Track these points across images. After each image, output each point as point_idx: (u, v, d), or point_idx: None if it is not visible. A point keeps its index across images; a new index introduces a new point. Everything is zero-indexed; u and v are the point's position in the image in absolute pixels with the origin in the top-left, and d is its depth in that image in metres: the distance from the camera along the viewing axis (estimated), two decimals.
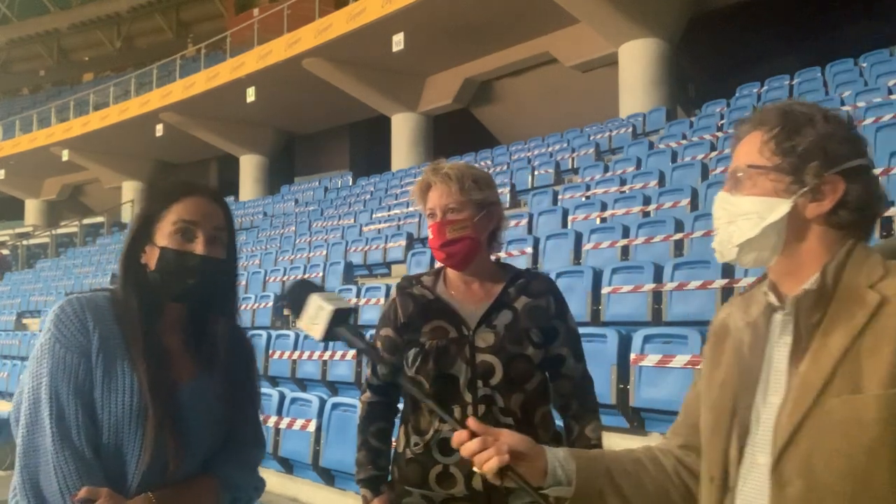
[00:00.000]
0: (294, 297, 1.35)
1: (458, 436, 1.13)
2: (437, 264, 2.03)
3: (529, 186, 10.53)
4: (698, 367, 1.34)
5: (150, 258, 1.47)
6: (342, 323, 1.31)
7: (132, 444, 1.38)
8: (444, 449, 1.85)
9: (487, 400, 1.84)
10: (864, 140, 1.15)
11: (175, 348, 1.49)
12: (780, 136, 1.11)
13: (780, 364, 1.11)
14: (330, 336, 1.30)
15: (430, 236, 1.95)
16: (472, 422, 1.14)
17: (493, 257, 2.02)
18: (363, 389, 2.08)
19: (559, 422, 2.02)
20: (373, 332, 2.16)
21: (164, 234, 1.46)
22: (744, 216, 1.12)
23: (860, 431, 0.99)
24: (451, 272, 1.98)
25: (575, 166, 10.76)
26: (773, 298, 1.14)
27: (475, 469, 1.12)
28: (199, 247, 1.45)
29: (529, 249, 7.19)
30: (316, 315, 1.31)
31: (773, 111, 1.15)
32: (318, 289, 1.35)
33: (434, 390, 1.87)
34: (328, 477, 5.08)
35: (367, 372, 2.07)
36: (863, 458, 0.99)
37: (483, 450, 1.11)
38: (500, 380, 1.85)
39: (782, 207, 1.10)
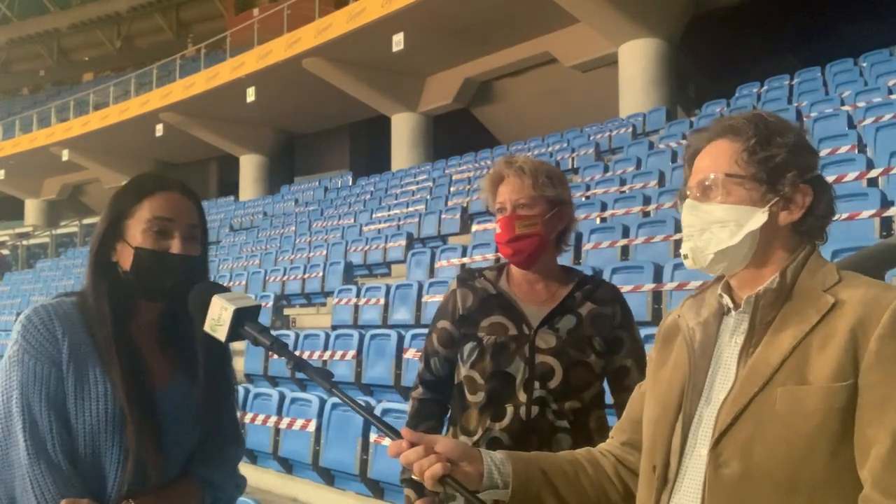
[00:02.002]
0: (196, 301, 1.31)
1: (395, 445, 1.13)
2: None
3: None
4: None
5: (123, 257, 1.40)
6: (248, 321, 1.27)
7: (110, 451, 1.34)
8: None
9: (542, 402, 1.78)
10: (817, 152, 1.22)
11: (149, 350, 1.44)
12: (755, 146, 1.14)
13: (730, 362, 1.14)
14: (235, 337, 1.27)
15: (498, 230, 1.87)
16: (406, 431, 1.14)
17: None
18: (415, 385, 2.00)
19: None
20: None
21: (137, 232, 1.39)
22: (719, 224, 1.14)
23: (802, 421, 1.04)
24: (514, 269, 1.91)
25: (575, 166, 10.76)
26: (727, 300, 1.18)
27: (415, 477, 1.13)
28: (176, 246, 1.40)
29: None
30: (219, 317, 1.27)
31: (744, 121, 1.17)
32: (222, 290, 1.31)
33: (488, 388, 1.81)
34: (328, 477, 5.08)
35: (420, 366, 2.00)
36: (802, 446, 1.03)
37: (422, 458, 1.12)
38: (559, 384, 1.79)
39: (760, 216, 1.13)
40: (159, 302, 1.43)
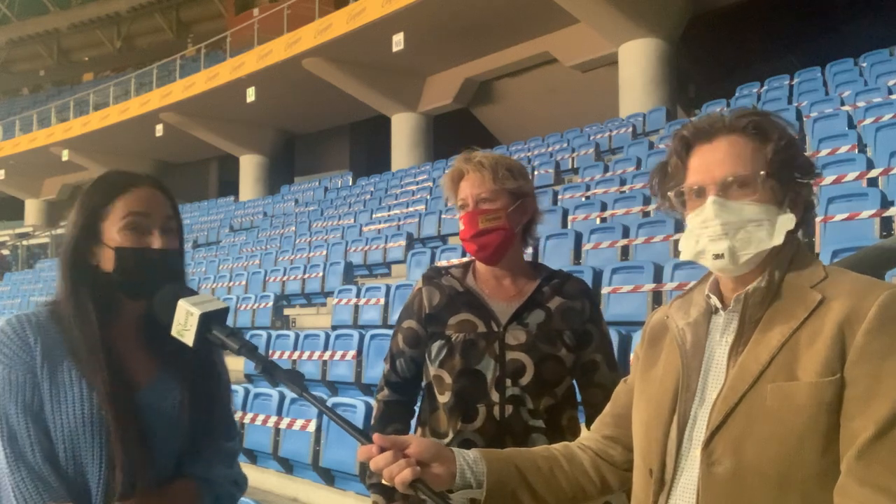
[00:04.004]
0: (162, 306, 1.29)
1: (365, 450, 1.12)
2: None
3: None
4: None
5: (103, 259, 1.38)
6: (215, 325, 1.25)
7: (91, 454, 1.32)
8: None
9: (516, 400, 1.75)
10: None
11: (132, 350, 1.41)
12: (784, 147, 1.14)
13: (721, 361, 1.15)
14: (203, 341, 1.25)
15: (461, 227, 1.85)
16: (377, 436, 1.12)
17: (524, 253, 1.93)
18: (380, 387, 1.96)
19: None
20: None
21: (114, 232, 1.37)
22: (754, 223, 1.11)
23: (792, 416, 1.04)
24: (480, 266, 1.89)
25: (575, 166, 10.77)
26: (715, 301, 1.18)
27: (384, 482, 1.11)
28: (155, 241, 1.38)
29: (529, 249, 7.18)
30: (186, 322, 1.26)
31: (768, 120, 1.16)
32: (189, 293, 1.30)
33: (457, 387, 1.77)
34: (328, 477, 5.08)
35: (385, 368, 1.95)
36: (793, 442, 1.04)
37: (392, 463, 1.10)
38: (531, 380, 1.76)
39: (789, 216, 1.12)
40: (143, 300, 1.40)
